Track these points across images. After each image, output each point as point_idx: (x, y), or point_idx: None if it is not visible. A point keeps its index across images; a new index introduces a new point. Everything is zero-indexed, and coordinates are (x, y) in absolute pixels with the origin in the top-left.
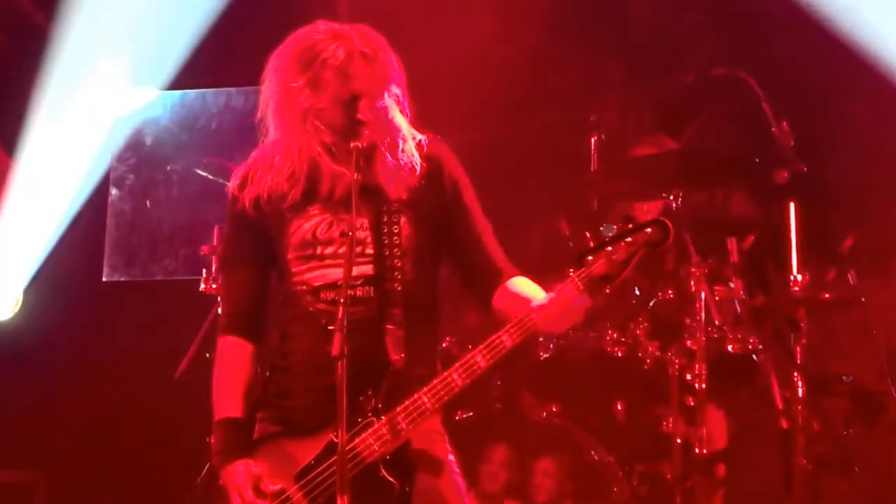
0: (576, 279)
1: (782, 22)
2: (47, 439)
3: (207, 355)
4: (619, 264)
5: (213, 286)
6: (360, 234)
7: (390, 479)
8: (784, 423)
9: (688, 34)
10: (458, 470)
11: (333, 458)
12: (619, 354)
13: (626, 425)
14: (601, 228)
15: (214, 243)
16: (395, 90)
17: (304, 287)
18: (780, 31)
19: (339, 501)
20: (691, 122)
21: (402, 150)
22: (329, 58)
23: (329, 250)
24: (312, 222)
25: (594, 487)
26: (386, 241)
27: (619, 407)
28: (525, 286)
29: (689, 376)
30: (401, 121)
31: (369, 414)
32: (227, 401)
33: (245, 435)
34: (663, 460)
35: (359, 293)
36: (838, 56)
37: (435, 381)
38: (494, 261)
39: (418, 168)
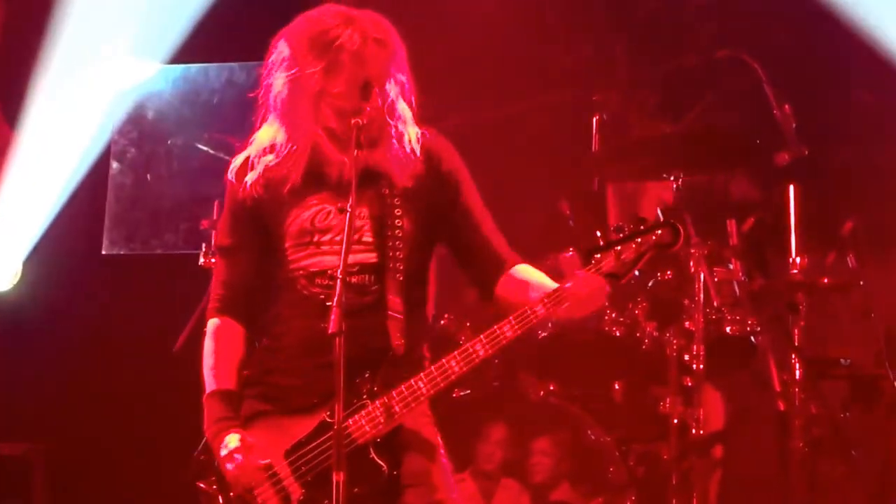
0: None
1: (786, 5)
2: (46, 412)
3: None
4: (626, 264)
5: (213, 261)
6: (359, 222)
7: (380, 462)
8: (781, 406)
9: (692, 16)
10: (444, 453)
11: (325, 437)
12: (618, 334)
13: (623, 405)
14: (612, 229)
15: (214, 217)
16: (401, 78)
17: (301, 272)
18: (783, 14)
19: (335, 478)
20: (694, 103)
21: (406, 139)
22: (346, 42)
23: (326, 237)
24: (311, 211)
25: (591, 467)
26: (388, 233)
27: (617, 387)
28: (530, 274)
29: (687, 357)
30: (404, 109)
31: (364, 396)
32: (221, 374)
33: (238, 407)
34: (660, 441)
35: (354, 280)
36: (841, 40)
37: (432, 368)
38: (496, 250)
39: (417, 159)
